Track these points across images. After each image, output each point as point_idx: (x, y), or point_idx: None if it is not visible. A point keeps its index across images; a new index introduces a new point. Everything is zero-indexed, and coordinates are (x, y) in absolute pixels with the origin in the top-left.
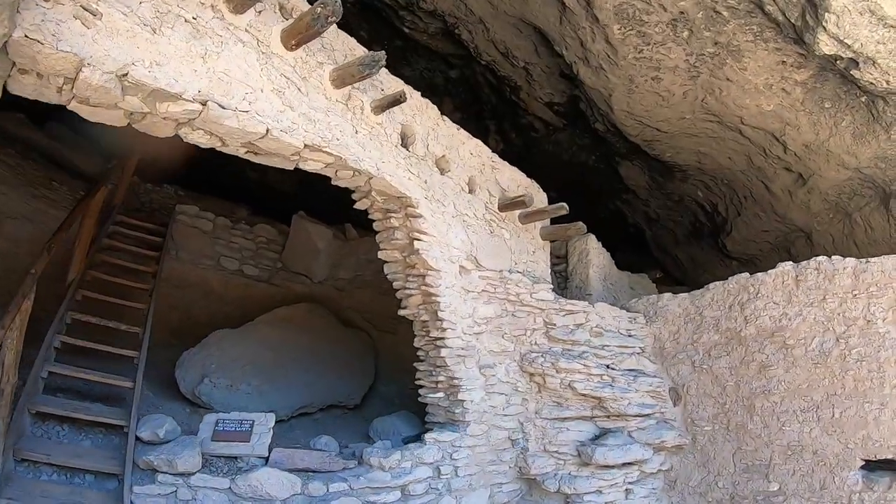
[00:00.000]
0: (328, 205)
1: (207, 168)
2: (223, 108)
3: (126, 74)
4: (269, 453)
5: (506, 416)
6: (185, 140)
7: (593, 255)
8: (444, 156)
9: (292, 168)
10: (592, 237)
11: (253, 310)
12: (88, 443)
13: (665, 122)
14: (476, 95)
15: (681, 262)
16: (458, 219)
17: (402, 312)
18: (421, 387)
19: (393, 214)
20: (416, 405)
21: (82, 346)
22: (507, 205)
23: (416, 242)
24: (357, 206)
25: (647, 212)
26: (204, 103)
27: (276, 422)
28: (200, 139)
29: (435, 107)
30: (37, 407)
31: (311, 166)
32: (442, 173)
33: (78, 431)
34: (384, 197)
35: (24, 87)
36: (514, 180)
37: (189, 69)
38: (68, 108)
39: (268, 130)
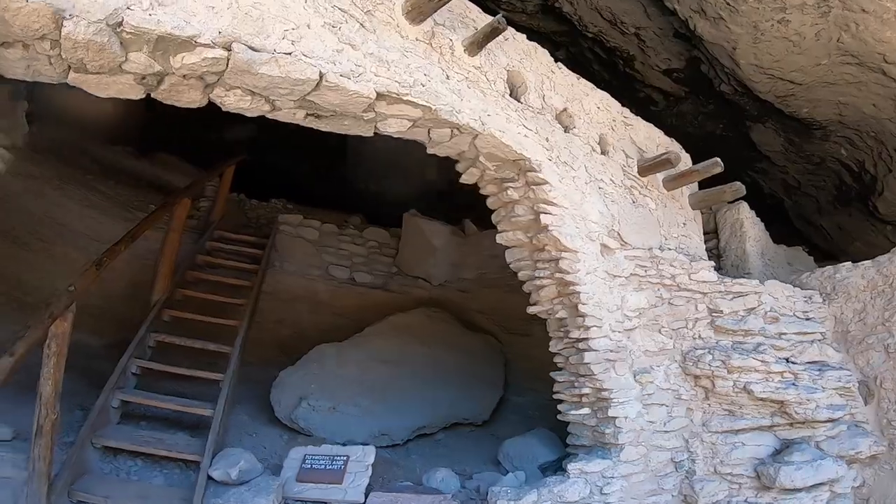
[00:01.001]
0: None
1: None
2: (255, 50)
3: (121, 22)
4: (366, 498)
5: (667, 432)
6: (224, 108)
7: (748, 227)
8: (565, 109)
9: (371, 133)
10: (745, 205)
11: (368, 320)
12: (161, 479)
13: (798, 72)
14: (588, 74)
15: (826, 232)
16: (592, 185)
17: (532, 310)
18: (560, 401)
19: (510, 184)
20: (555, 419)
21: (164, 370)
22: (648, 166)
23: (542, 217)
24: (464, 179)
25: (785, 179)
26: (228, 47)
27: (391, 446)
28: (241, 103)
29: (546, 51)
30: (102, 441)
31: (393, 127)
32: (566, 131)
33: (152, 466)
34: (496, 162)
35: (15, 66)
36: (651, 139)
37: (203, 5)
38: (69, 82)
39: (322, 76)
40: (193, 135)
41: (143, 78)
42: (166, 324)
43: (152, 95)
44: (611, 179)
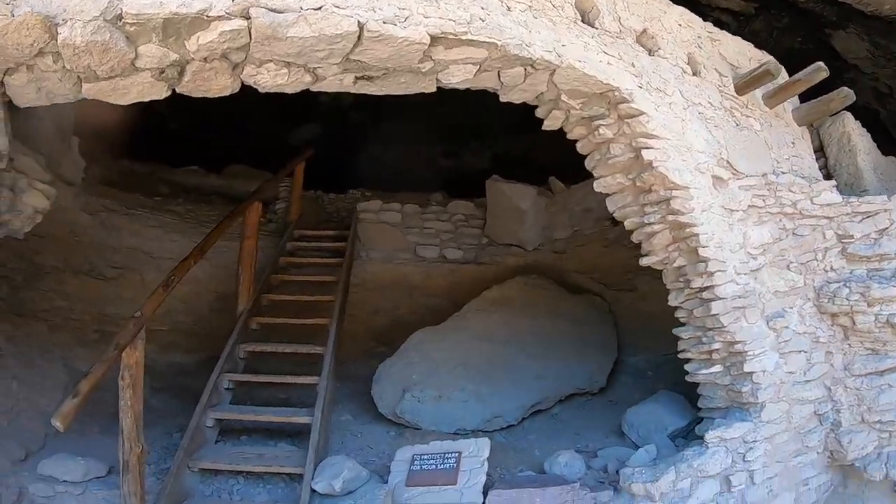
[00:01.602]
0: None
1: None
2: (278, 11)
3: (120, 14)
4: (485, 498)
5: (808, 382)
6: (261, 88)
7: (857, 139)
8: (644, 31)
9: (433, 87)
10: (849, 116)
11: (463, 297)
12: (265, 496)
13: None
14: None
15: None
16: (691, 111)
17: (645, 261)
18: (686, 360)
19: (600, 122)
20: (675, 378)
21: (257, 381)
22: (746, 82)
23: (644, 153)
24: (547, 124)
25: (876, 87)
26: (246, 15)
27: (506, 427)
28: (278, 79)
29: None
30: (199, 463)
31: (458, 76)
32: (650, 54)
33: (255, 482)
34: (581, 99)
35: (25, 92)
36: (742, 53)
37: None
38: (85, 96)
39: (361, 26)
40: (261, 144)
41: (162, 72)
42: (255, 332)
43: (178, 91)
44: (709, 102)
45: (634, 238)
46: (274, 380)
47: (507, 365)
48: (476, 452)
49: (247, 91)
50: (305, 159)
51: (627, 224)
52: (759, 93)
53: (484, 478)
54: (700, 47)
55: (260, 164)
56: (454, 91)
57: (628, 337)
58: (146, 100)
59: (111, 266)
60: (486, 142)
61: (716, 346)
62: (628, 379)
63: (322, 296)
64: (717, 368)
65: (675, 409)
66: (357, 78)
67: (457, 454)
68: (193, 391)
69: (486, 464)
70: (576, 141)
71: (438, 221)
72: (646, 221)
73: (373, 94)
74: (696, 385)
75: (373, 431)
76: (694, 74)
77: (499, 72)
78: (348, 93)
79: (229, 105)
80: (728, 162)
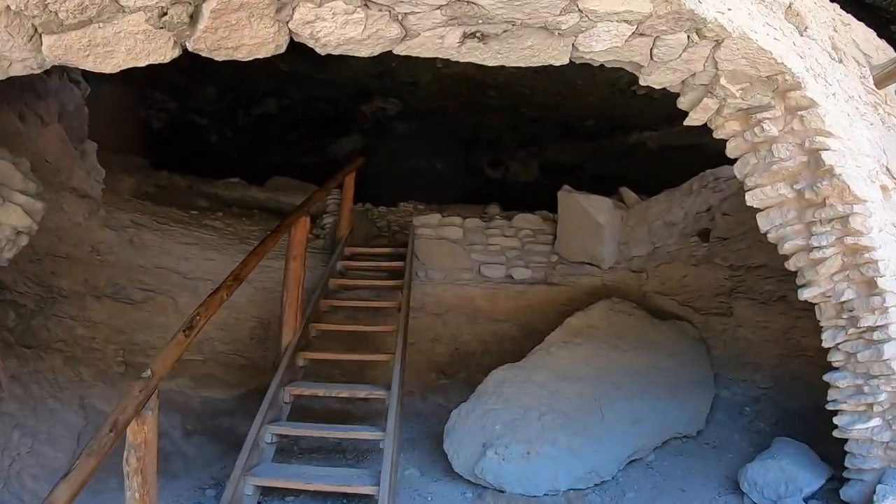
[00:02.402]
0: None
1: None
2: None
3: None
4: None
5: None
6: (321, 46)
7: None
8: (790, 4)
9: (566, 58)
10: None
11: (534, 322)
12: None
13: None
14: None
15: None
16: (850, 104)
17: (806, 295)
18: (837, 411)
19: (764, 115)
20: (776, 415)
21: (305, 434)
22: (886, 74)
23: (824, 155)
24: (691, 118)
25: None
26: None
27: (597, 484)
28: (351, 30)
29: None
30: None
31: (604, 40)
32: (800, 34)
33: None
34: (743, 84)
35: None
36: (869, 42)
37: None
38: (51, 58)
39: None
40: (302, 158)
41: (163, 14)
42: (303, 370)
43: (193, 48)
44: (858, 96)
45: (792, 265)
46: (328, 433)
47: (599, 410)
48: None
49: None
50: (356, 168)
51: (786, 248)
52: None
53: None
54: (836, 31)
55: (303, 176)
56: (500, 99)
57: (720, 367)
58: (145, 64)
59: (140, 288)
60: (531, 151)
61: (881, 397)
62: (723, 417)
63: (380, 325)
64: (876, 422)
65: (805, 464)
66: (466, 36)
67: None
68: (231, 435)
69: None
70: (629, 150)
71: (503, 237)
72: (814, 245)
73: (482, 62)
74: (811, 426)
75: (445, 493)
76: (839, 62)
77: (655, 39)
78: (393, 101)
79: (269, 118)
80: (888, 168)
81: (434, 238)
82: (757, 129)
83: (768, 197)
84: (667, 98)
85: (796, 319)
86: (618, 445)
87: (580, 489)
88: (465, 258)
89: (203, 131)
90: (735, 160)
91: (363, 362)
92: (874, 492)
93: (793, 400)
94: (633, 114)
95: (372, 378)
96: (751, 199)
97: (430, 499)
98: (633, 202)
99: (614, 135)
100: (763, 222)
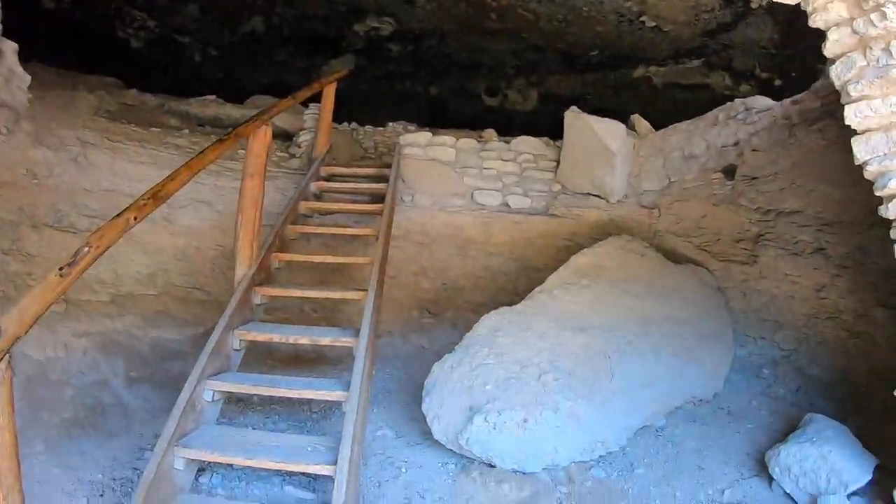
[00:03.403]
0: None
1: None
2: None
3: None
4: None
5: None
6: None
7: None
8: None
9: None
10: None
11: (531, 256)
12: None
13: None
14: None
15: None
16: None
17: None
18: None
19: None
20: (797, 381)
21: (257, 393)
22: None
23: None
24: (813, 20)
25: None
26: None
27: (602, 456)
28: None
29: None
30: None
31: None
32: None
33: None
34: None
35: None
36: None
37: None
38: None
39: None
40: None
41: None
42: (261, 308)
43: None
44: None
45: (892, 212)
46: (280, 391)
47: (608, 367)
48: None
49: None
50: (337, 79)
51: (889, 188)
52: None
53: None
54: None
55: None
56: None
57: (738, 323)
58: None
59: (86, 215)
60: (531, 80)
61: None
62: (738, 378)
63: (356, 256)
64: None
65: (850, 454)
66: None
67: None
68: (182, 382)
69: None
70: (633, 85)
71: (501, 161)
72: None
73: None
74: (837, 398)
75: (422, 462)
76: None
77: None
78: (388, 20)
79: (255, 37)
80: None
81: (423, 159)
82: (875, 17)
83: (876, 114)
84: (676, 31)
85: (834, 277)
86: (628, 411)
87: (583, 461)
88: (456, 182)
89: (185, 49)
90: (832, 61)
91: (333, 302)
92: None
93: (817, 366)
94: (640, 47)
95: (348, 316)
96: (851, 116)
97: (403, 469)
98: (647, 132)
99: (619, 68)
100: (861, 149)
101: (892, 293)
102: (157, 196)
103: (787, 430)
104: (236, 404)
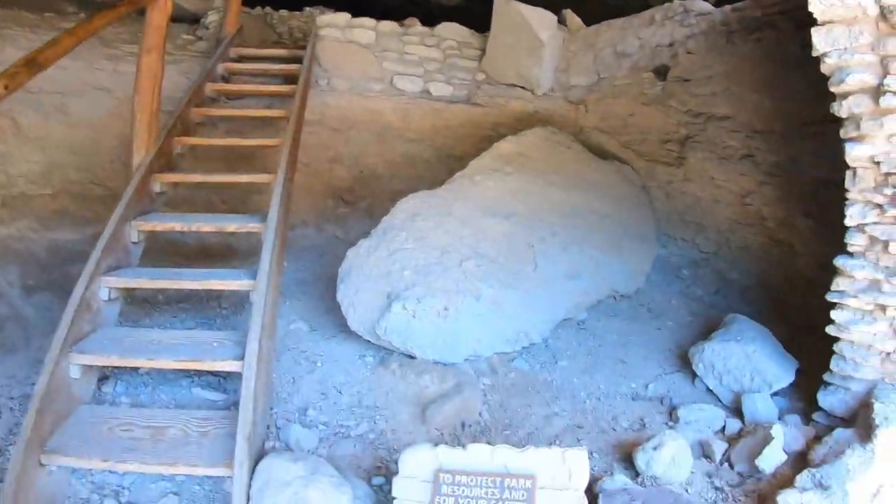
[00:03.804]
0: None
1: None
2: None
3: None
4: None
5: None
6: None
7: None
8: None
9: None
10: None
11: (452, 145)
12: None
13: None
14: None
15: None
16: None
17: (854, 154)
18: (835, 304)
19: None
20: (715, 283)
21: (152, 287)
22: None
23: None
24: None
25: None
26: None
27: (525, 347)
28: None
29: None
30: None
31: None
32: None
33: None
34: None
35: None
36: None
37: None
38: None
39: None
40: None
41: None
42: (161, 197)
43: None
44: None
45: (844, 109)
46: (181, 283)
47: (532, 256)
48: (566, 480)
49: None
50: None
51: (845, 83)
52: None
53: None
54: None
55: None
56: None
57: (661, 223)
58: None
59: None
60: None
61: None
62: (658, 277)
63: (266, 139)
64: (883, 328)
65: (774, 354)
66: None
67: (526, 481)
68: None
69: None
70: None
71: (423, 47)
72: (887, 88)
73: None
74: (754, 303)
75: (339, 355)
76: None
77: None
78: None
79: None
80: None
81: (341, 41)
82: None
83: (843, 5)
84: None
85: (761, 184)
86: (552, 302)
87: (505, 353)
88: (376, 67)
89: None
90: None
91: (248, 187)
92: (860, 404)
93: (736, 271)
94: None
95: (259, 206)
96: (816, 3)
97: (319, 363)
98: (578, 27)
99: None
100: (821, 40)
101: (818, 204)
102: (33, 63)
103: (706, 330)
104: (141, 305)
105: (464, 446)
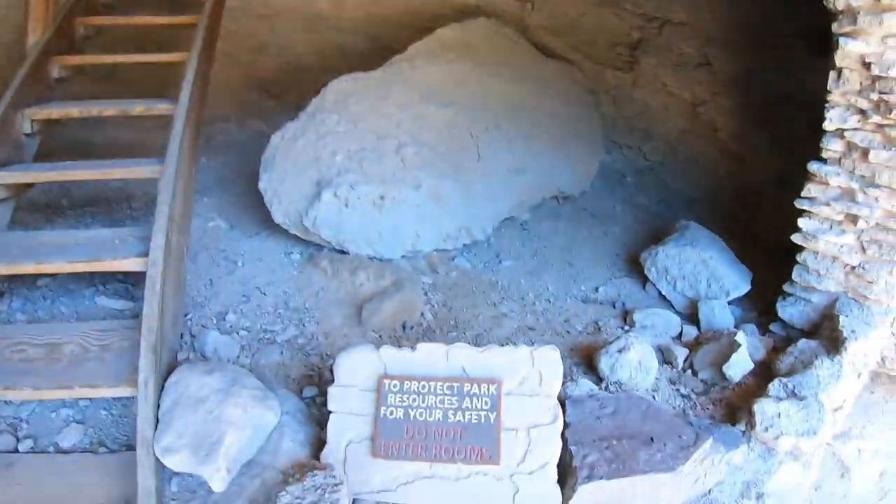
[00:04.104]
0: None
1: None
2: None
3: None
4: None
5: None
6: None
7: None
8: None
9: None
10: None
11: (389, 36)
12: None
13: None
14: None
15: None
16: None
17: (849, 48)
18: (803, 211)
19: None
20: (661, 193)
21: (43, 180)
22: None
23: None
24: None
25: None
26: None
27: (466, 245)
28: None
29: None
30: None
31: None
32: None
33: None
34: None
35: None
36: None
37: None
38: None
39: None
40: None
41: None
42: (61, 85)
43: None
44: None
45: (840, 1)
46: (76, 173)
47: (475, 145)
48: (535, 384)
49: None
50: None
51: None
52: None
53: (559, 444)
54: None
55: None
56: None
57: (607, 129)
58: None
59: None
60: None
61: (875, 213)
62: (601, 184)
63: (179, 16)
64: (850, 240)
65: (730, 262)
66: None
67: (490, 386)
68: None
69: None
70: None
71: None
72: None
73: None
74: (699, 215)
75: (262, 253)
76: None
77: None
78: None
79: None
80: None
81: None
82: None
83: None
84: None
85: (715, 95)
86: (494, 198)
87: (446, 250)
88: None
89: None
90: None
91: (155, 69)
92: (821, 317)
93: (682, 181)
94: None
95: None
96: None
97: (240, 263)
98: None
99: None
100: None
101: (775, 119)
102: None
103: (652, 238)
104: (43, 212)
105: (412, 347)
